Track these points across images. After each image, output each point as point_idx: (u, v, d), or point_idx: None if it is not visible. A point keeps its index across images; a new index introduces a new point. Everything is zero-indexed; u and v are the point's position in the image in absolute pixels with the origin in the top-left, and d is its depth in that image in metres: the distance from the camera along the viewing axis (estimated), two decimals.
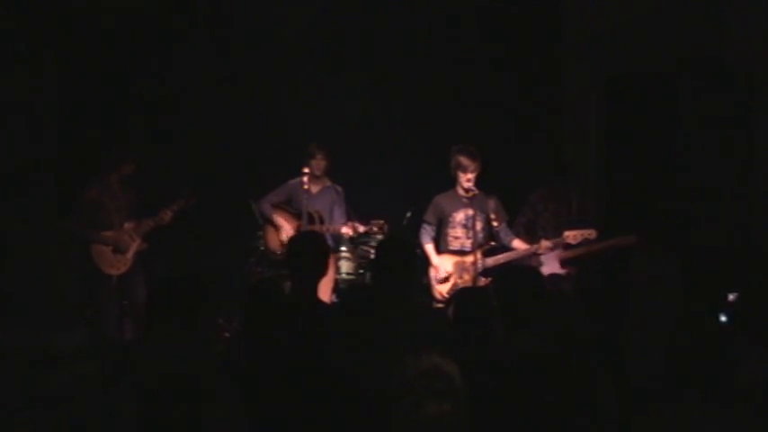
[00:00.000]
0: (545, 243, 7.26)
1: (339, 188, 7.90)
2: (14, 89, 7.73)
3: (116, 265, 7.20)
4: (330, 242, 7.80)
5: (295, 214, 7.73)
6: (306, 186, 7.58)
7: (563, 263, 7.41)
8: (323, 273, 4.85)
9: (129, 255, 7.25)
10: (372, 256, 8.32)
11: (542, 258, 7.35)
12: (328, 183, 7.88)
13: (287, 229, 7.73)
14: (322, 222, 7.67)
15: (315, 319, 4.45)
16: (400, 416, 3.09)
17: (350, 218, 7.72)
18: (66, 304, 7.25)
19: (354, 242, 8.47)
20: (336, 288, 8.09)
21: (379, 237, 7.82)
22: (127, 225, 7.27)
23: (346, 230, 7.58)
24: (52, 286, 7.39)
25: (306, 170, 7.59)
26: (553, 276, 7.27)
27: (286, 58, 8.89)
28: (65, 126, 8.22)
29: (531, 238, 7.46)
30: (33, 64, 7.91)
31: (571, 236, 7.18)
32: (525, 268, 6.34)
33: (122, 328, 7.22)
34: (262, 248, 8.11)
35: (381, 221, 7.61)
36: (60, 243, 7.43)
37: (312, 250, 4.83)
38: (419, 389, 3.10)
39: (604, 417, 3.74)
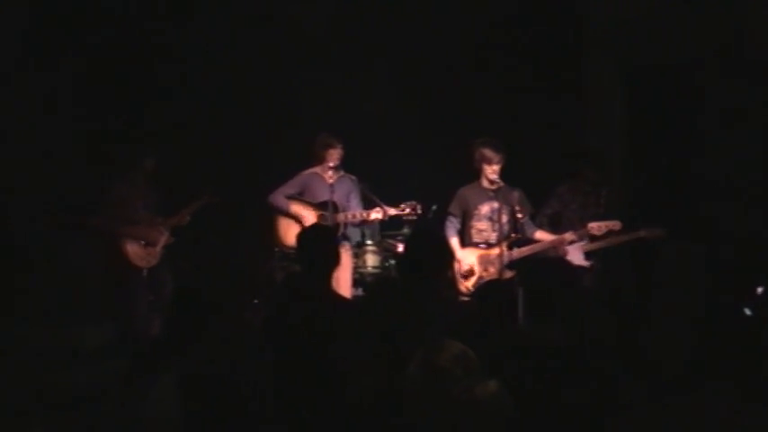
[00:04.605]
0: (569, 235, 7.25)
1: (353, 177, 7.80)
2: (36, 85, 7.76)
3: (147, 259, 7.25)
4: (350, 232, 7.78)
5: (313, 205, 7.68)
6: (331, 180, 7.54)
7: (588, 254, 7.38)
8: (334, 264, 4.87)
9: (159, 248, 7.30)
10: (398, 250, 8.34)
11: (568, 249, 7.33)
12: (342, 172, 7.76)
13: (307, 220, 7.57)
14: (340, 211, 7.56)
15: (328, 311, 4.48)
16: (451, 402, 3.10)
17: (376, 204, 7.62)
18: (94, 301, 7.30)
19: (380, 233, 8.48)
20: (362, 281, 8.10)
21: (413, 218, 7.75)
22: (156, 219, 7.33)
23: (376, 215, 7.51)
24: (80, 283, 7.45)
25: (331, 164, 7.55)
26: (576, 269, 7.27)
27: (307, 53, 8.88)
28: (89, 123, 8.24)
29: (555, 229, 7.44)
30: (53, 61, 7.94)
31: (596, 227, 7.17)
32: (551, 260, 6.33)
33: (150, 324, 7.24)
34: (276, 249, 7.94)
35: (414, 202, 7.52)
36: (88, 239, 7.48)
37: (320, 242, 4.85)
38: (461, 372, 3.14)
39: (622, 406, 3.75)
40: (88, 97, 8.22)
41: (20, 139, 7.60)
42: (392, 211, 7.52)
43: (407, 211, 7.54)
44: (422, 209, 7.61)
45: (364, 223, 7.90)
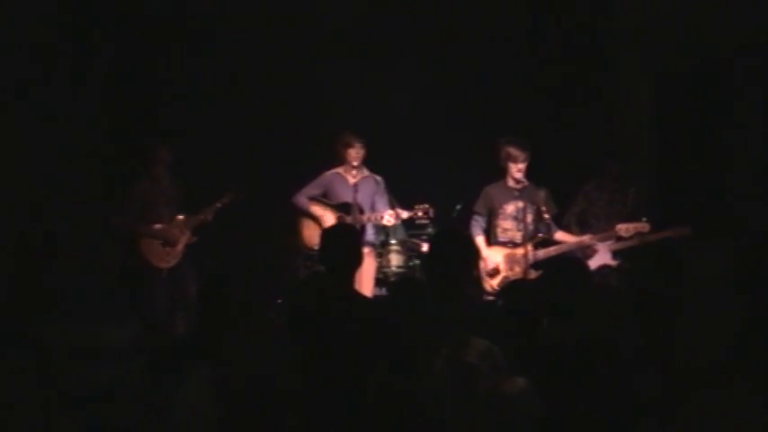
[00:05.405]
0: (588, 238, 7.22)
1: (378, 177, 7.72)
2: (60, 86, 7.77)
3: (166, 259, 7.25)
4: (372, 235, 7.71)
5: (333, 206, 7.63)
6: (353, 180, 7.52)
7: (615, 254, 7.32)
8: (357, 264, 4.84)
9: (179, 248, 7.29)
10: (422, 250, 8.30)
11: (595, 248, 7.27)
12: (366, 172, 7.70)
13: (327, 222, 7.50)
14: (362, 213, 7.51)
15: (350, 311, 4.45)
16: (479, 398, 3.07)
17: (392, 206, 7.57)
18: (117, 299, 7.31)
19: (405, 232, 8.42)
20: (386, 281, 8.06)
21: (425, 221, 7.70)
22: (177, 218, 7.32)
23: (388, 219, 7.41)
24: (103, 281, 7.46)
25: (353, 164, 7.52)
26: (603, 268, 7.22)
27: (334, 50, 8.84)
28: (111, 122, 8.25)
29: (583, 228, 7.40)
30: (79, 61, 7.95)
31: (623, 228, 7.13)
32: (570, 260, 6.30)
33: (173, 323, 7.25)
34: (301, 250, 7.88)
35: (426, 205, 7.45)
36: (110, 238, 7.49)
37: (343, 242, 4.82)
38: (488, 369, 3.11)
39: (645, 406, 3.72)
40: (111, 96, 8.23)
41: (41, 140, 7.60)
42: (405, 214, 7.46)
43: (420, 214, 7.49)
44: (434, 213, 7.55)
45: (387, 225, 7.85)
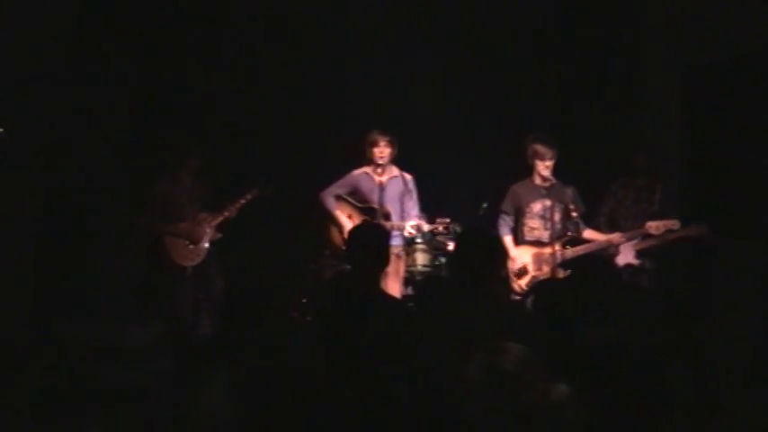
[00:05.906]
0: (617, 237, 7.16)
1: (408, 176, 7.56)
2: (86, 86, 7.77)
3: (190, 257, 7.23)
4: (398, 237, 7.60)
5: (359, 208, 7.56)
6: (380, 179, 7.43)
7: (639, 253, 7.25)
8: (383, 264, 4.79)
9: (203, 246, 7.27)
10: (448, 248, 8.25)
11: (620, 248, 7.22)
12: (395, 172, 7.55)
13: (353, 222, 7.39)
14: (387, 214, 7.41)
15: (377, 311, 4.41)
16: (524, 405, 3.02)
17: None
18: (141, 299, 7.31)
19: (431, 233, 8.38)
20: (413, 280, 8.00)
21: (445, 235, 7.65)
22: (201, 215, 7.30)
23: (410, 231, 7.31)
24: (127, 280, 7.47)
25: (379, 162, 7.43)
26: (626, 267, 7.17)
27: (356, 46, 8.81)
28: (137, 121, 8.25)
29: (613, 228, 7.34)
30: (105, 59, 7.95)
31: (653, 226, 7.08)
32: (599, 259, 6.27)
33: (198, 322, 7.23)
34: (327, 250, 7.84)
35: (447, 220, 7.35)
36: (134, 237, 7.49)
37: (370, 242, 4.77)
38: (529, 376, 3.05)
39: (678, 406, 3.67)
40: (137, 95, 8.22)
41: (65, 139, 7.60)
42: (426, 227, 7.37)
43: (440, 228, 7.41)
44: (454, 227, 7.48)
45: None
